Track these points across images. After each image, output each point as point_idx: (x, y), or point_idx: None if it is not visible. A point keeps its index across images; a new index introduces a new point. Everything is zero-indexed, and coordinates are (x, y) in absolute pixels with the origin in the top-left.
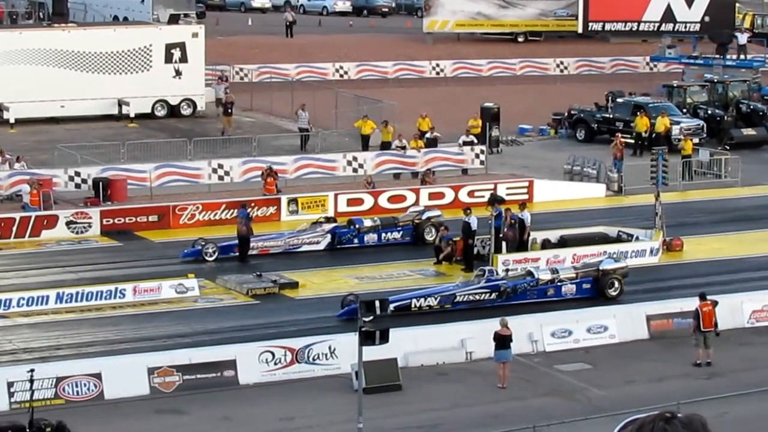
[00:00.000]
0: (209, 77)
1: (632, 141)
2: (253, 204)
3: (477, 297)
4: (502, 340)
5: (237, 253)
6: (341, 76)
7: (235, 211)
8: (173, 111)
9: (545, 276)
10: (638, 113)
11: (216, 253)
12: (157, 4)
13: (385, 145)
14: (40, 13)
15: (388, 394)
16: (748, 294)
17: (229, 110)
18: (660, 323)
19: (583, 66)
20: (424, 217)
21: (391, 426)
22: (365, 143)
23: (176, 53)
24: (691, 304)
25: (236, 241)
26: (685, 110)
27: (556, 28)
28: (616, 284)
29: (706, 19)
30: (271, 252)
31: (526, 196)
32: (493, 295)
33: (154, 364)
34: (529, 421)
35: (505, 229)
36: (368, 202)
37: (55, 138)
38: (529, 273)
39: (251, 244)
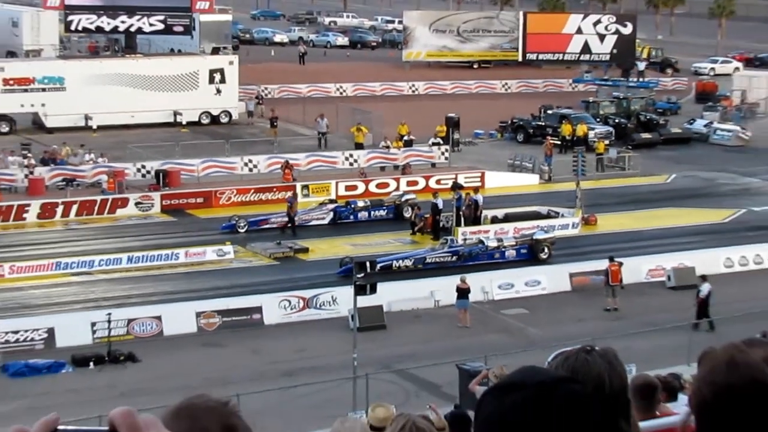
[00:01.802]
0: (242, 95)
1: (559, 142)
2: (273, 188)
3: (442, 259)
4: (462, 292)
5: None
6: (341, 93)
7: (261, 195)
8: (215, 119)
9: (493, 244)
10: (563, 121)
11: (246, 227)
12: (202, 39)
13: (358, 146)
14: (116, 47)
15: (376, 332)
16: (645, 257)
17: (274, 123)
18: (580, 279)
19: (522, 86)
20: (403, 199)
21: (378, 356)
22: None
23: (217, 76)
24: (603, 264)
25: (263, 217)
26: (598, 119)
27: (502, 57)
28: (546, 250)
29: (614, 51)
30: (289, 225)
31: (479, 184)
32: (454, 258)
33: (200, 309)
34: (482, 352)
35: (464, 209)
36: (361, 188)
37: (127, 140)
38: (481, 241)
39: (274, 221)
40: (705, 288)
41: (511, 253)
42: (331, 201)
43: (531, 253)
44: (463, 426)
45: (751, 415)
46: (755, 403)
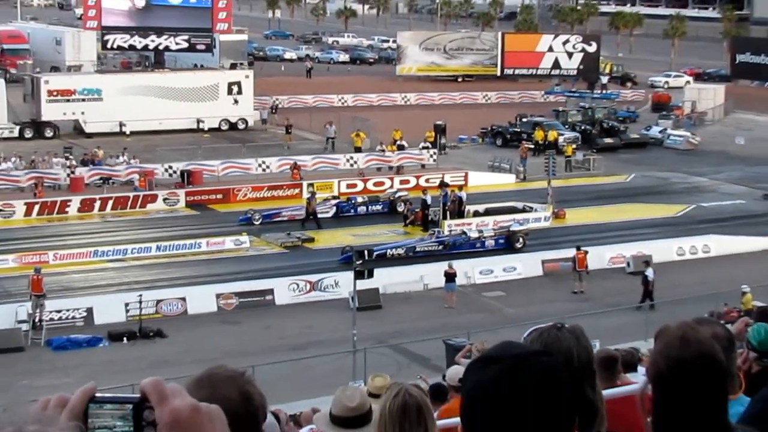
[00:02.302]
0: (256, 104)
1: (533, 146)
2: (283, 186)
3: (430, 248)
4: (449, 276)
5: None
6: (342, 103)
7: (273, 191)
8: (233, 126)
9: (474, 234)
10: (536, 128)
11: (260, 219)
12: (222, 56)
13: (357, 149)
14: (146, 63)
15: (372, 312)
16: (607, 246)
17: (289, 130)
18: (551, 265)
19: (501, 97)
20: (396, 195)
21: (375, 333)
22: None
23: (235, 88)
24: (571, 252)
25: (274, 211)
26: (566, 126)
27: (483, 72)
28: (522, 240)
29: (581, 66)
30: (297, 218)
31: (463, 182)
32: (441, 247)
33: (220, 291)
34: (465, 329)
35: (449, 204)
36: (360, 186)
37: (156, 143)
38: (464, 232)
39: (285, 215)
40: (650, 272)
41: (490, 243)
42: (334, 197)
43: (508, 243)
44: (441, 396)
45: (699, 385)
46: (703, 374)
